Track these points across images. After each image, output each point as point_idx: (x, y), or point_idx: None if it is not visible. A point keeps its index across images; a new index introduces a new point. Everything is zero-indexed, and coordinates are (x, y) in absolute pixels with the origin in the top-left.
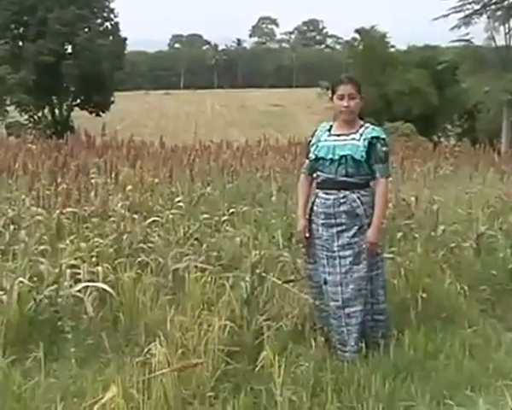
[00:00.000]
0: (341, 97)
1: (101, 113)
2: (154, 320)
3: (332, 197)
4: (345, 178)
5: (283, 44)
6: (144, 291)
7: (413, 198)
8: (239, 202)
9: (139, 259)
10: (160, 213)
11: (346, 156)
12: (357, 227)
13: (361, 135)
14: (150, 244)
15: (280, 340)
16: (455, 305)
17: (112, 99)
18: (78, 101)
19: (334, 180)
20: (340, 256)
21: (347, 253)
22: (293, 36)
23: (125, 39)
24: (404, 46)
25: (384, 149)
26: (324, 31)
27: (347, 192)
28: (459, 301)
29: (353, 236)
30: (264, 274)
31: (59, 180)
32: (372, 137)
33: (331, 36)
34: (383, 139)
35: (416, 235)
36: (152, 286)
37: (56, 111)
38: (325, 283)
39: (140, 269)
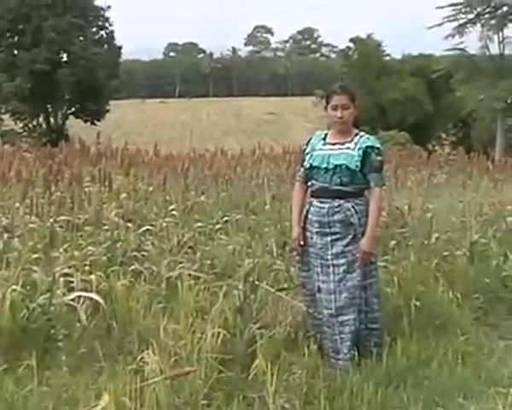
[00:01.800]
0: (335, 108)
1: (96, 121)
2: (147, 328)
3: (326, 206)
4: (339, 187)
5: (278, 53)
6: (137, 299)
7: (407, 206)
8: (233, 210)
9: (132, 267)
10: (154, 221)
11: (340, 166)
12: (351, 236)
13: (356, 144)
14: (144, 252)
15: (273, 348)
16: (448, 313)
17: (107, 107)
18: (73, 109)
19: (329, 189)
20: (333, 265)
21: (341, 261)
22: (288, 45)
23: (120, 48)
24: (398, 55)
25: (378, 158)
26: (319, 40)
27: (342, 201)
28: (452, 309)
29: (347, 244)
30: (257, 282)
31: (53, 188)
32: (367, 147)
33: (326, 45)
34: (378, 149)
35: (410, 243)
36: (145, 294)
37: (51, 119)
38: (319, 291)
39: (133, 277)
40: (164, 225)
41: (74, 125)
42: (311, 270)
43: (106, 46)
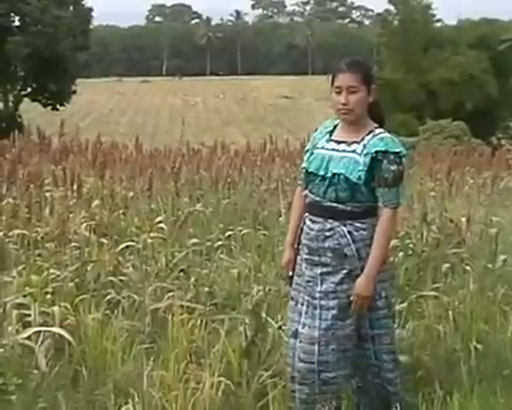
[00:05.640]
0: (338, 91)
1: (59, 106)
2: (127, 376)
3: (316, 227)
4: (334, 204)
5: (296, 18)
6: (114, 338)
7: (464, 219)
8: (237, 222)
9: (108, 296)
10: (136, 236)
11: (338, 175)
12: (345, 271)
13: (364, 147)
14: (122, 277)
15: (289, 401)
16: None
17: (73, 88)
18: (29, 90)
19: (321, 205)
20: (321, 306)
21: (331, 303)
22: (308, 7)
23: (91, 10)
24: (453, 21)
25: (393, 167)
26: (349, 1)
27: (336, 223)
28: None
29: (340, 282)
30: (268, 317)
31: (3, 193)
32: (376, 152)
33: (358, 7)
34: (394, 154)
35: (468, 267)
36: (124, 332)
37: (0, 103)
38: (295, 336)
39: (109, 309)
40: (148, 241)
41: (30, 111)
42: (294, 307)
43: (71, 8)
